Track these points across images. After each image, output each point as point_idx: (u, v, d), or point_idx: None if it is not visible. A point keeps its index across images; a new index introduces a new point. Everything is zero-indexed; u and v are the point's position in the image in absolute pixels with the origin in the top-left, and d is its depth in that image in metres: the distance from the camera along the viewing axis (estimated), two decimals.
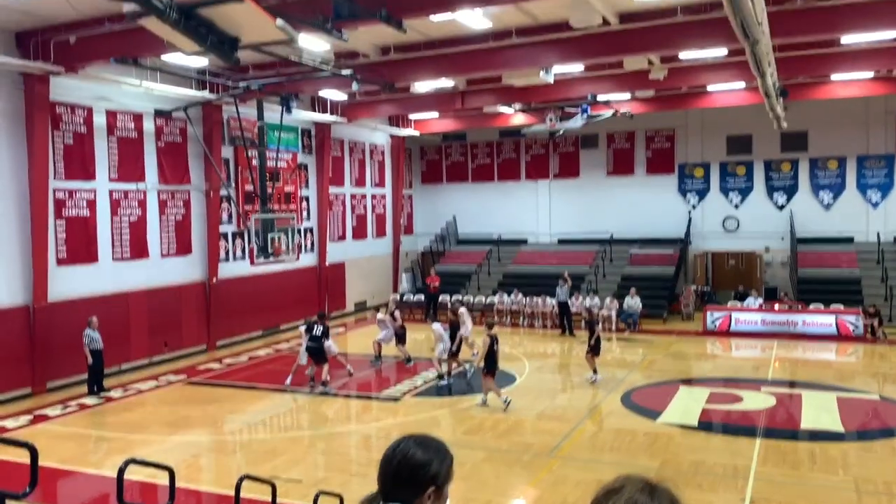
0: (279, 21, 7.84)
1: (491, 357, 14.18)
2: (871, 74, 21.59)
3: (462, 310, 17.88)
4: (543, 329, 24.30)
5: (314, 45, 15.97)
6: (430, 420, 13.88)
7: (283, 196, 24.03)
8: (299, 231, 24.17)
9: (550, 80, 18.30)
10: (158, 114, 19.51)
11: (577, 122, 23.79)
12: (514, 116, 26.73)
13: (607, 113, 24.60)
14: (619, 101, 24.55)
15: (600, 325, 23.12)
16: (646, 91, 23.42)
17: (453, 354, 16.61)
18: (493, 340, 14.24)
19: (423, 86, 22.08)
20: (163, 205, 19.88)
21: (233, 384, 17.14)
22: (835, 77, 21.82)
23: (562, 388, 16.70)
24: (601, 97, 23.09)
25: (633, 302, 23.74)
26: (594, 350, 16.46)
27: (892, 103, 25.45)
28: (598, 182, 30.12)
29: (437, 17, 14.62)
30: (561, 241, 30.60)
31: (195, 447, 12.78)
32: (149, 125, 19.36)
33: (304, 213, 25.50)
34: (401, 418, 14.12)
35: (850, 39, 16.95)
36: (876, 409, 14.32)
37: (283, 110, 20.15)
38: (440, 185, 33.06)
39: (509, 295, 25.85)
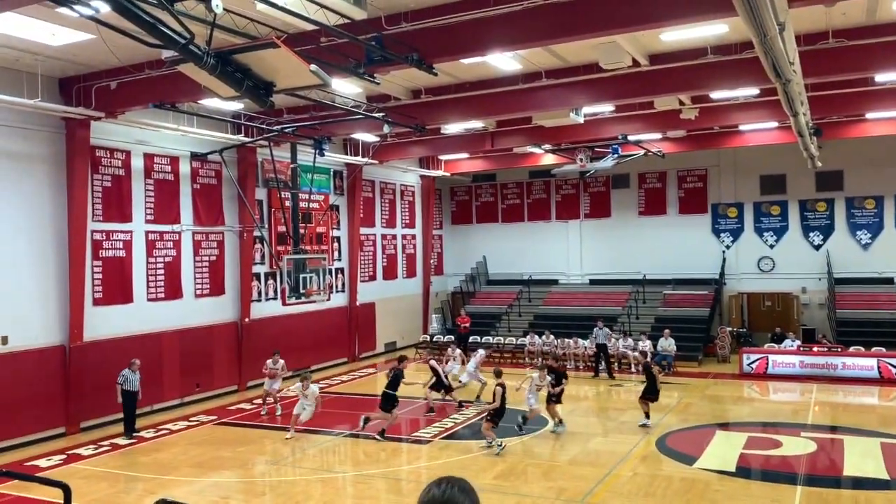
0: (313, 66, 7.99)
1: (501, 408, 14.25)
2: None
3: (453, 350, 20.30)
4: (576, 371, 23.96)
5: (347, 88, 16.23)
6: (459, 464, 13.68)
7: (315, 236, 24.26)
8: (331, 271, 24.32)
9: (580, 120, 18.35)
10: (194, 156, 19.93)
11: (607, 163, 23.77)
12: (544, 157, 26.80)
13: (638, 153, 24.56)
14: (650, 140, 24.50)
15: (632, 367, 22.87)
16: (677, 131, 23.36)
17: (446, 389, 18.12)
18: (504, 390, 14.30)
19: (453, 127, 22.31)
20: (197, 245, 20.17)
21: (263, 425, 17.12)
22: (869, 115, 21.56)
23: (595, 432, 16.37)
24: (632, 137, 23.05)
25: (667, 343, 23.35)
26: (651, 394, 16.16)
27: None
28: (630, 222, 29.95)
29: (467, 60, 14.81)
30: (593, 282, 30.36)
31: (225, 488, 12.72)
32: (185, 168, 19.77)
33: (336, 254, 25.69)
34: (430, 461, 13.94)
35: (883, 78, 16.78)
36: None
37: (315, 153, 20.43)
38: (470, 225, 33.16)
39: (540, 336, 25.61)
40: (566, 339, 25.05)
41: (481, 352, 20.65)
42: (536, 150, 25.42)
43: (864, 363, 21.26)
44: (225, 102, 16.32)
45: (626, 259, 29.38)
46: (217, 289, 20.75)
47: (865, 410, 18.52)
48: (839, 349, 22.20)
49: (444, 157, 29.33)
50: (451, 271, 33.16)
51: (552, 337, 25.37)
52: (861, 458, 13.49)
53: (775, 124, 22.00)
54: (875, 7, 12.93)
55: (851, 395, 19.87)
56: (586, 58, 15.25)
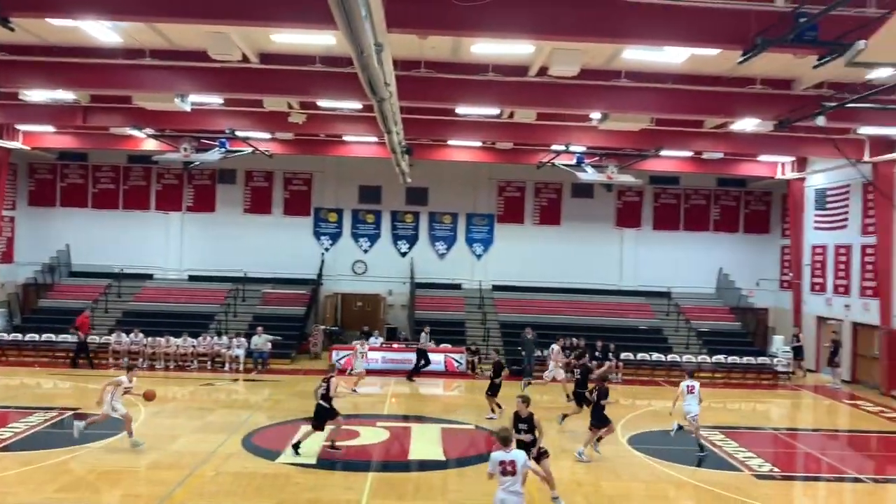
0: None
1: None
2: (479, 143, 24.79)
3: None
4: (166, 371, 22.83)
5: None
6: (17, 478, 11.95)
7: None
8: None
9: (187, 108, 17.60)
10: None
11: (214, 155, 23.16)
12: (146, 142, 25.05)
13: (246, 150, 24.42)
14: (258, 139, 24.53)
15: (227, 366, 22.57)
16: (286, 133, 23.82)
17: None
18: None
19: (36, 95, 19.50)
20: None
21: None
22: (451, 142, 24.58)
23: (181, 434, 15.70)
24: (240, 133, 22.85)
25: (261, 341, 23.58)
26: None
27: (494, 171, 29.50)
28: (235, 219, 29.65)
29: (56, 22, 13.13)
30: (192, 278, 29.29)
31: None
32: None
33: None
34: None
35: (463, 110, 19.25)
36: (473, 438, 16.03)
37: None
38: (52, 208, 29.48)
39: (128, 335, 23.81)
40: (158, 338, 23.70)
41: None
42: (137, 133, 23.66)
43: (434, 358, 24.00)
44: None
45: (228, 256, 28.94)
46: None
47: (432, 400, 20.93)
48: (415, 345, 24.75)
49: (22, 128, 25.42)
50: (24, 260, 28.90)
51: (142, 336, 23.79)
52: (424, 443, 15.19)
53: (375, 139, 23.74)
54: (458, 47, 14.76)
55: (422, 387, 22.29)
56: (195, 44, 14.66)
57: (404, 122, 17.83)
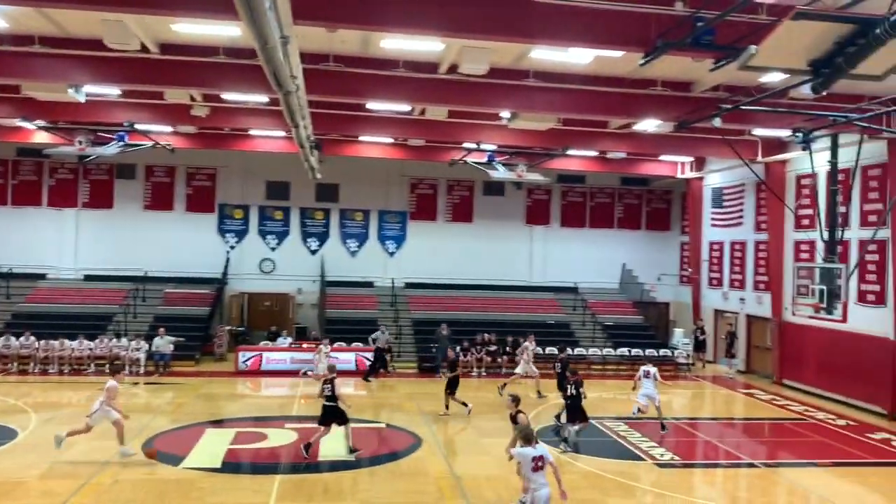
0: None
1: None
2: (391, 140, 24.65)
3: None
4: (60, 375, 21.71)
5: None
6: None
7: None
8: None
9: (81, 99, 16.71)
10: None
11: (111, 149, 22.06)
12: (36, 134, 23.65)
13: (146, 143, 23.42)
14: (159, 132, 23.59)
15: (126, 369, 21.63)
16: (188, 126, 22.97)
17: None
18: None
19: None
20: None
21: None
22: (362, 138, 24.33)
23: (76, 441, 14.90)
24: (140, 126, 21.89)
25: (163, 342, 22.74)
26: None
27: (407, 168, 29.43)
28: (135, 215, 28.48)
29: None
30: (88, 278, 27.92)
31: None
32: None
33: None
34: None
35: (373, 106, 19.07)
36: (382, 437, 15.93)
37: None
38: None
39: (18, 338, 22.49)
40: (52, 341, 22.48)
41: None
42: (26, 124, 22.33)
43: (345, 357, 23.76)
44: None
45: (127, 254, 27.77)
46: None
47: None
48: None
49: None
50: None
51: (33, 339, 22.53)
52: (335, 442, 14.94)
53: (283, 133, 23.22)
54: (368, 41, 14.60)
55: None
56: (89, 32, 13.94)
57: (313, 116, 17.52)
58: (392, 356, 24.16)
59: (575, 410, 14.78)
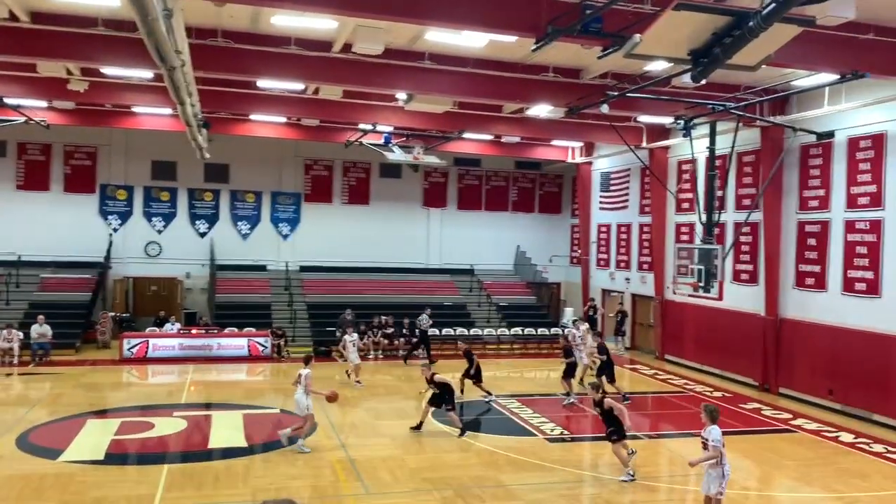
0: None
1: None
2: (284, 119, 24.07)
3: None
4: None
5: None
6: None
7: None
8: None
9: None
10: None
11: None
12: None
13: (18, 119, 21.93)
14: (33, 108, 22.10)
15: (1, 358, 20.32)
16: (65, 102, 21.60)
17: None
18: None
19: None
20: None
21: None
22: (254, 117, 23.61)
23: None
24: (10, 100, 20.43)
25: (43, 330, 21.48)
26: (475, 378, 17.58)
27: (301, 148, 28.87)
28: (6, 196, 26.64)
29: None
30: None
31: None
32: None
33: None
34: None
35: (264, 84, 18.53)
36: (278, 422, 15.63)
37: None
38: None
39: None
40: None
41: None
42: None
43: (236, 343, 23.22)
44: None
45: None
46: None
47: (235, 386, 20.21)
48: (216, 331, 23.78)
49: None
50: None
51: None
52: (226, 430, 14.63)
53: (169, 111, 22.22)
54: (258, 17, 14.16)
55: (224, 373, 21.47)
56: None
57: (201, 93, 16.85)
58: (286, 341, 23.76)
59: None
